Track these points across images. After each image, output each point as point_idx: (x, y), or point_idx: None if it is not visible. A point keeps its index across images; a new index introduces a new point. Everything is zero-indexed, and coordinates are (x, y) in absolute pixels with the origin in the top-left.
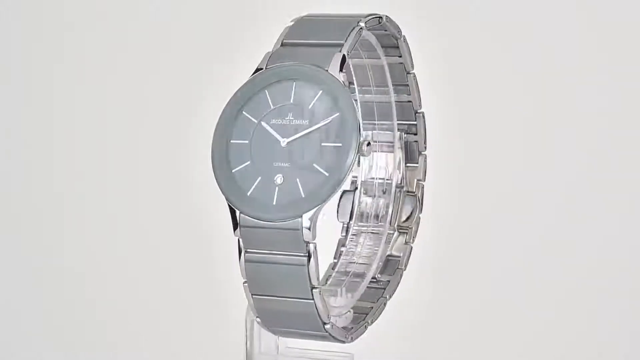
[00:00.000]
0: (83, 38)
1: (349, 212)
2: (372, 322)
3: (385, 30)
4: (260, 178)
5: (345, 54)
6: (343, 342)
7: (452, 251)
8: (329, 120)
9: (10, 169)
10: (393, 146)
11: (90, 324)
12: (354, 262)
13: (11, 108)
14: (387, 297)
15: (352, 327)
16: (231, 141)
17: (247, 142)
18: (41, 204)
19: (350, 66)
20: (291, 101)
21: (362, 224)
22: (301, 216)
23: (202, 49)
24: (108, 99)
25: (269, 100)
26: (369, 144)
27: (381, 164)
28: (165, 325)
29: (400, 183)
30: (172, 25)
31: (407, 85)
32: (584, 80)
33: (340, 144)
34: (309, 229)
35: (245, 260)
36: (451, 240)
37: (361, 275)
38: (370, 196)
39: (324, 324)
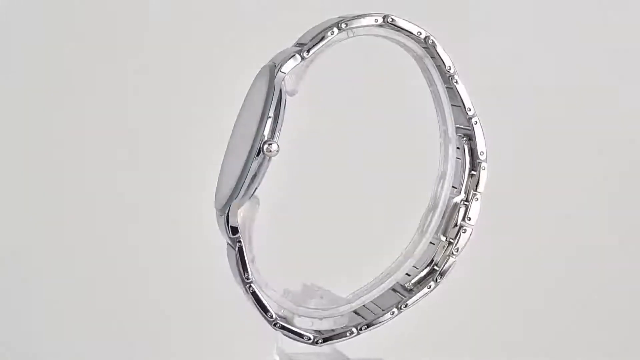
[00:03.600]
0: (106, 35)
1: None
2: (366, 329)
3: (398, 31)
4: (229, 175)
5: (302, 55)
6: (311, 343)
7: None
8: (259, 122)
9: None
10: (447, 151)
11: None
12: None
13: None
14: (399, 308)
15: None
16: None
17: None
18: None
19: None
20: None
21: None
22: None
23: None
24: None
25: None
26: (277, 148)
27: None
28: (201, 321)
29: (453, 191)
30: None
31: (452, 88)
32: None
33: (249, 144)
34: (224, 225)
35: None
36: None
37: (379, 283)
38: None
39: (271, 322)
